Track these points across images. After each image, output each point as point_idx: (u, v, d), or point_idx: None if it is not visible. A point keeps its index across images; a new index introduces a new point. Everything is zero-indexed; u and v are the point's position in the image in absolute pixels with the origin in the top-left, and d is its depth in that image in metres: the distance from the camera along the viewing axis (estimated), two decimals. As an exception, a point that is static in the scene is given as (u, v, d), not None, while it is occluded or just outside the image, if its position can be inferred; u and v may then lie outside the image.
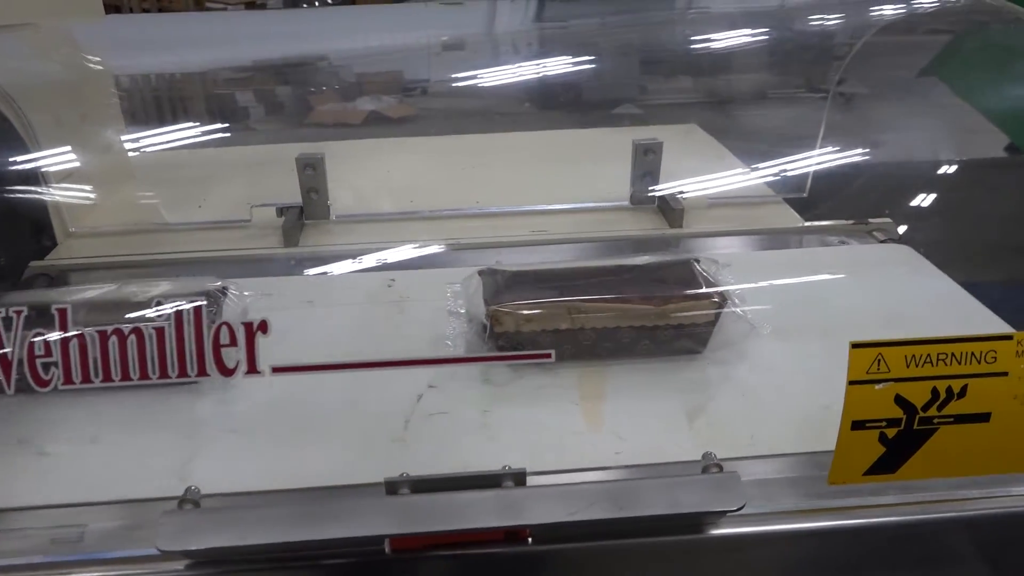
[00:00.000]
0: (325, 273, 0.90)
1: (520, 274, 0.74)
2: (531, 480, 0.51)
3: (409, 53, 1.20)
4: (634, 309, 0.69)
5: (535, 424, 0.64)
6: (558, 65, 1.07)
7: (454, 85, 1.06)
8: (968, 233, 0.99)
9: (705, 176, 1.05)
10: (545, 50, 1.21)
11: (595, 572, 0.54)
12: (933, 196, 1.01)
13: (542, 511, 0.50)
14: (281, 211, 0.96)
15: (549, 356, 0.65)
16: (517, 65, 1.05)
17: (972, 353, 0.51)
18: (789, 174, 1.02)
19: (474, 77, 1.03)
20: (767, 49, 1.13)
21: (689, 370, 0.71)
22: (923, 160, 1.20)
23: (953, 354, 0.51)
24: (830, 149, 1.03)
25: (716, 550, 0.53)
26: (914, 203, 1.00)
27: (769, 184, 1.05)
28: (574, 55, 1.07)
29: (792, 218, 1.00)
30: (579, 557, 0.53)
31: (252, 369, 0.53)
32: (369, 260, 0.87)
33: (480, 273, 0.74)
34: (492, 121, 1.26)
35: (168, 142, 0.96)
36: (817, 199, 1.03)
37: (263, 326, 0.53)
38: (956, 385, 0.51)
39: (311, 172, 0.95)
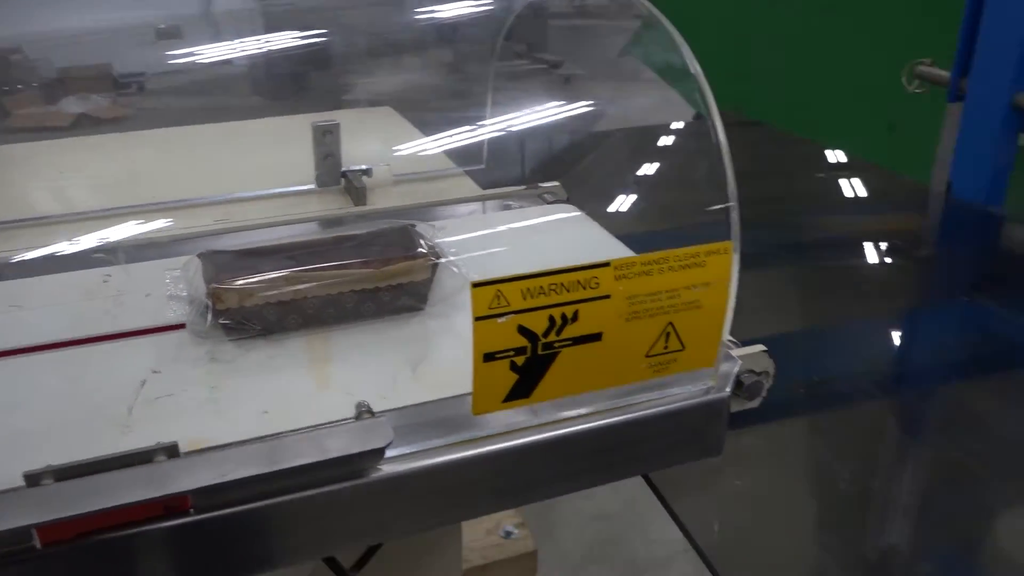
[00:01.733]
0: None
1: (240, 253, 0.75)
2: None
3: (119, 42, 1.13)
4: (354, 274, 0.72)
5: (265, 393, 0.64)
6: (283, 51, 1.06)
7: (172, 77, 1.01)
8: (629, 192, 1.11)
9: (391, 154, 1.09)
10: (271, 34, 1.16)
11: (263, 533, 0.55)
12: (604, 161, 1.12)
13: (193, 477, 0.50)
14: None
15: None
16: (240, 52, 1.03)
17: (578, 281, 0.57)
18: (468, 148, 1.09)
19: (194, 68, 1.00)
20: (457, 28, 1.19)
21: (411, 325, 0.75)
22: (599, 130, 1.33)
23: (563, 283, 0.57)
24: (502, 123, 1.11)
25: (374, 493, 0.56)
26: (583, 168, 1.11)
27: (451, 158, 1.11)
28: (300, 39, 1.06)
29: (473, 188, 1.07)
30: (244, 520, 0.54)
31: None
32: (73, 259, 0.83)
33: (199, 256, 0.74)
34: (215, 115, 1.22)
35: None
36: (494, 169, 1.10)
37: None
38: (569, 311, 0.58)
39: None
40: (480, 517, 1.93)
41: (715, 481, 0.73)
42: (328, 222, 0.97)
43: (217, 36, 1.14)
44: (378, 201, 1.02)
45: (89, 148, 1.17)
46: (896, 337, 0.99)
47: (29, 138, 1.19)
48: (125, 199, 0.98)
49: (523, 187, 1.06)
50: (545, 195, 1.06)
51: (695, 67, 0.68)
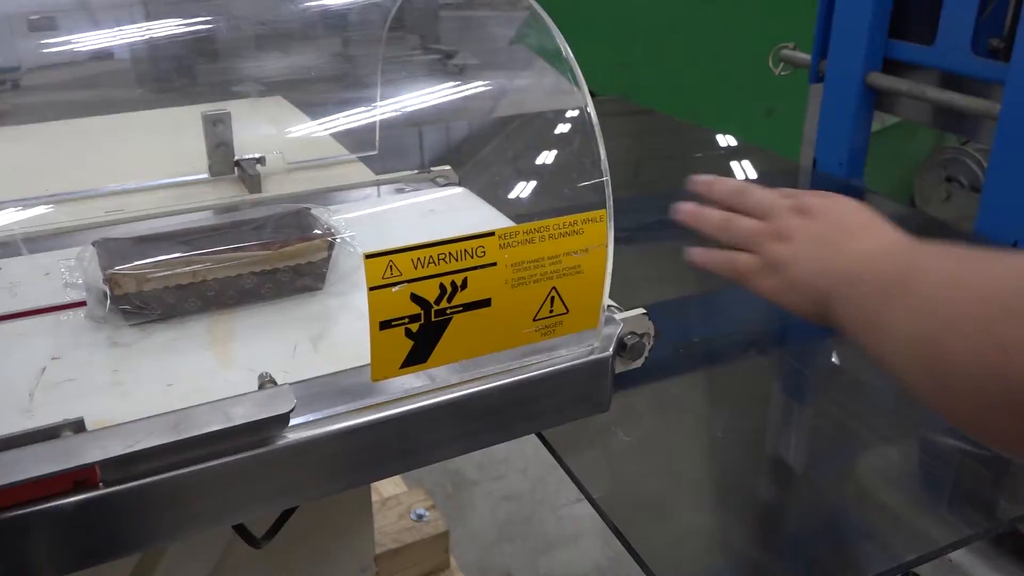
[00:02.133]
0: None
1: (136, 240, 0.76)
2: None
3: None
4: (253, 256, 0.75)
5: (168, 373, 0.66)
6: (162, 40, 1.05)
7: (46, 72, 0.99)
8: (516, 173, 1.16)
9: (284, 142, 1.11)
10: (153, 23, 1.14)
11: (172, 504, 0.57)
12: (491, 145, 1.16)
13: (101, 449, 0.52)
14: None
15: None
16: (115, 43, 1.02)
17: (466, 250, 0.61)
18: (360, 136, 1.12)
19: (69, 62, 0.98)
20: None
21: (311, 304, 0.77)
22: (488, 117, 1.37)
23: (451, 253, 0.61)
24: (394, 110, 1.14)
25: (279, 460, 0.59)
26: (472, 152, 1.15)
27: (344, 145, 1.14)
28: (180, 29, 1.05)
29: (367, 174, 1.10)
30: (153, 491, 0.56)
31: None
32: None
33: (94, 244, 0.75)
34: (99, 108, 1.20)
35: None
36: (386, 154, 1.13)
37: None
38: (458, 279, 0.62)
39: None
40: (385, 480, 1.95)
41: (606, 438, 0.79)
42: (223, 210, 0.98)
43: (96, 26, 1.12)
44: (273, 188, 1.03)
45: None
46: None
47: None
48: (10, 193, 0.97)
49: (416, 171, 1.09)
50: (437, 179, 1.09)
51: (567, 51, 0.72)
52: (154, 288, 0.71)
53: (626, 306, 0.76)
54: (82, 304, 0.73)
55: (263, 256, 0.75)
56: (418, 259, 0.60)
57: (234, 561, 0.98)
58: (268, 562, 1.26)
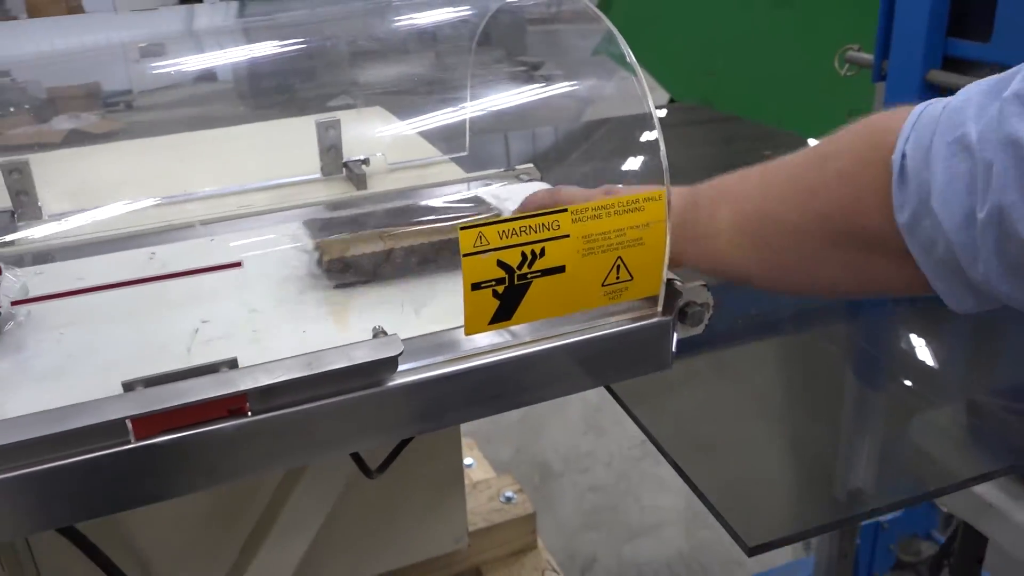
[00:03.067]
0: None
1: (335, 219, 0.94)
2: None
3: (105, 63, 1.26)
4: (436, 228, 0.90)
5: (298, 333, 0.79)
6: (267, 60, 1.20)
7: (159, 93, 1.15)
8: (594, 168, 1.27)
9: (385, 146, 1.25)
10: (253, 47, 1.27)
11: (304, 432, 0.70)
12: (570, 146, 1.28)
13: (249, 380, 0.66)
14: (-11, 215, 1.03)
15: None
16: (224, 64, 1.17)
17: (543, 223, 0.73)
18: (452, 140, 1.25)
19: (180, 83, 1.13)
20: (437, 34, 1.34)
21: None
22: (571, 121, 1.49)
23: (531, 226, 0.72)
24: (481, 113, 1.26)
25: (389, 398, 0.71)
26: (553, 153, 1.27)
27: (439, 148, 1.27)
28: (282, 49, 1.20)
29: (459, 172, 1.23)
30: (289, 421, 0.69)
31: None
32: (114, 241, 0.98)
33: (303, 223, 0.96)
34: (205, 123, 1.35)
35: None
36: (475, 155, 1.26)
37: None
38: (537, 248, 0.73)
39: (17, 176, 1.03)
40: (477, 467, 2.07)
41: (669, 394, 0.88)
42: (337, 205, 1.12)
43: (200, 49, 1.27)
44: (376, 186, 1.17)
45: (85, 157, 1.30)
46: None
47: (22, 153, 1.32)
48: (150, 193, 1.13)
49: (502, 169, 1.21)
50: (521, 175, 1.21)
51: (631, 58, 0.83)
52: (354, 253, 0.86)
53: (689, 281, 0.86)
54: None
55: (446, 228, 0.89)
56: (503, 231, 0.71)
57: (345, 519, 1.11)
58: (374, 526, 1.40)
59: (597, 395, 2.88)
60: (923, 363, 0.90)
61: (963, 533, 0.97)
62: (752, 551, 0.62)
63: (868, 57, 1.37)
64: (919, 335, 0.96)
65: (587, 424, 2.73)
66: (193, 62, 1.17)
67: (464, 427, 2.70)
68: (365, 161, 1.19)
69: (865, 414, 0.87)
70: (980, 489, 0.82)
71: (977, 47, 1.21)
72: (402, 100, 1.58)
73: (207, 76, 1.19)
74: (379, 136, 1.35)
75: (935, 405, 0.87)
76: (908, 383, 0.88)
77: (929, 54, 1.25)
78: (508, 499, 1.95)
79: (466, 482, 2.00)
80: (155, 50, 1.24)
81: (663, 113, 1.73)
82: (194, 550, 1.14)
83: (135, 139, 1.38)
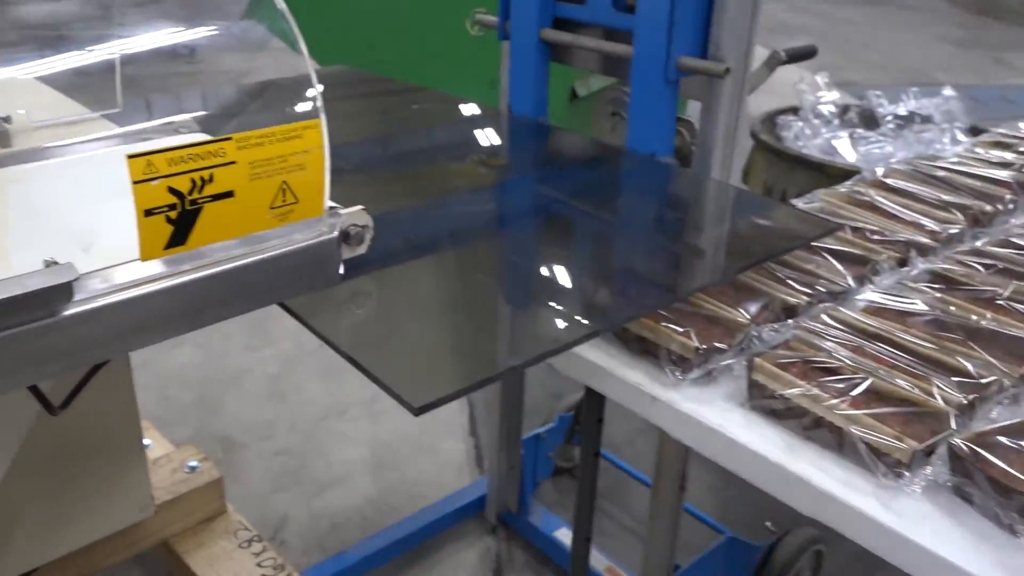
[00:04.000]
0: None
1: None
2: None
3: None
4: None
5: None
6: None
7: None
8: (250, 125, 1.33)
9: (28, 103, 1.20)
10: None
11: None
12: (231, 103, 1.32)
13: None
14: None
15: None
16: None
17: (210, 151, 0.79)
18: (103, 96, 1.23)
19: None
20: None
21: None
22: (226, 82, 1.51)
23: (198, 153, 0.78)
24: (130, 65, 1.26)
25: (68, 325, 0.73)
26: (212, 107, 1.30)
27: (88, 106, 1.25)
28: None
29: (113, 128, 1.22)
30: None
31: None
32: None
33: None
34: None
35: None
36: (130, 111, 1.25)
37: None
38: (206, 174, 0.79)
39: None
40: (156, 443, 2.03)
41: (343, 308, 0.98)
42: (-25, 163, 1.07)
43: None
44: (22, 144, 1.13)
45: None
46: (485, 202, 1.31)
47: None
48: None
49: (159, 123, 1.23)
50: (180, 128, 1.23)
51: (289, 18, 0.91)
52: None
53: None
54: None
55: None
56: (172, 159, 0.76)
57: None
58: (55, 497, 1.35)
59: (276, 364, 2.91)
60: (552, 269, 1.08)
61: (585, 399, 1.19)
62: (418, 411, 0.74)
63: (494, 19, 1.56)
64: (548, 249, 1.16)
65: (267, 393, 2.75)
66: None
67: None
68: (6, 119, 1.14)
69: (504, 305, 1.04)
70: (592, 355, 1.03)
71: (578, 9, 1.45)
72: (53, 60, 1.50)
73: None
74: (21, 94, 1.28)
75: (559, 293, 1.06)
76: (544, 288, 1.06)
77: (542, 15, 1.46)
78: (192, 468, 1.94)
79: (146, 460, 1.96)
80: None
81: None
82: None
83: None
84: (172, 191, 0.77)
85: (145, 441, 2.16)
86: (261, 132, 0.82)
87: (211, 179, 0.79)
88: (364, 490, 2.35)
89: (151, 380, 2.77)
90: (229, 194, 0.81)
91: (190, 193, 0.78)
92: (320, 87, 0.92)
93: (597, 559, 2.01)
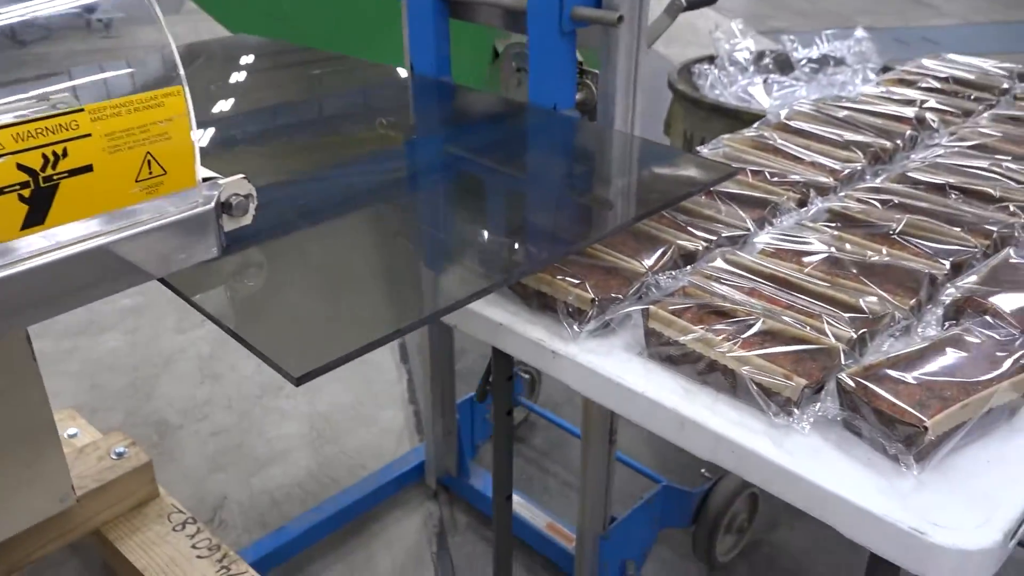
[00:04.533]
0: None
1: None
2: None
3: None
4: None
5: None
6: None
7: None
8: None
9: None
10: None
11: None
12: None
13: None
14: None
15: None
16: None
17: (60, 124, 0.75)
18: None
19: None
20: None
21: None
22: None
23: (48, 127, 0.75)
24: None
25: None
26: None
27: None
28: None
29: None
30: None
31: None
32: None
33: None
34: None
35: None
36: None
37: None
38: (59, 149, 0.76)
39: None
40: (80, 432, 1.99)
41: (224, 282, 0.96)
42: None
43: None
44: None
45: None
46: (382, 167, 1.29)
47: None
48: None
49: (30, 95, 1.18)
50: (59, 104, 1.19)
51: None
52: None
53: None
54: None
55: None
56: (17, 134, 0.73)
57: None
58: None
59: (209, 344, 2.86)
60: (448, 229, 1.07)
61: (493, 358, 1.18)
62: (298, 380, 0.73)
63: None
64: (445, 209, 1.14)
65: (202, 374, 2.70)
66: None
67: (65, 399, 2.53)
68: None
69: (396, 268, 1.02)
70: (493, 313, 1.02)
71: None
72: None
73: None
74: None
75: (453, 253, 1.04)
76: (437, 249, 1.04)
77: (434, -26, 1.44)
78: (120, 455, 1.90)
79: (71, 448, 1.91)
80: None
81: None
82: None
83: None
84: (22, 168, 0.74)
85: (71, 430, 2.12)
86: (117, 101, 0.79)
87: (65, 153, 0.76)
88: (304, 464, 2.34)
89: (80, 367, 2.71)
90: (87, 168, 0.78)
91: (43, 169, 0.75)
92: (177, 53, 0.89)
93: (538, 516, 2.03)
